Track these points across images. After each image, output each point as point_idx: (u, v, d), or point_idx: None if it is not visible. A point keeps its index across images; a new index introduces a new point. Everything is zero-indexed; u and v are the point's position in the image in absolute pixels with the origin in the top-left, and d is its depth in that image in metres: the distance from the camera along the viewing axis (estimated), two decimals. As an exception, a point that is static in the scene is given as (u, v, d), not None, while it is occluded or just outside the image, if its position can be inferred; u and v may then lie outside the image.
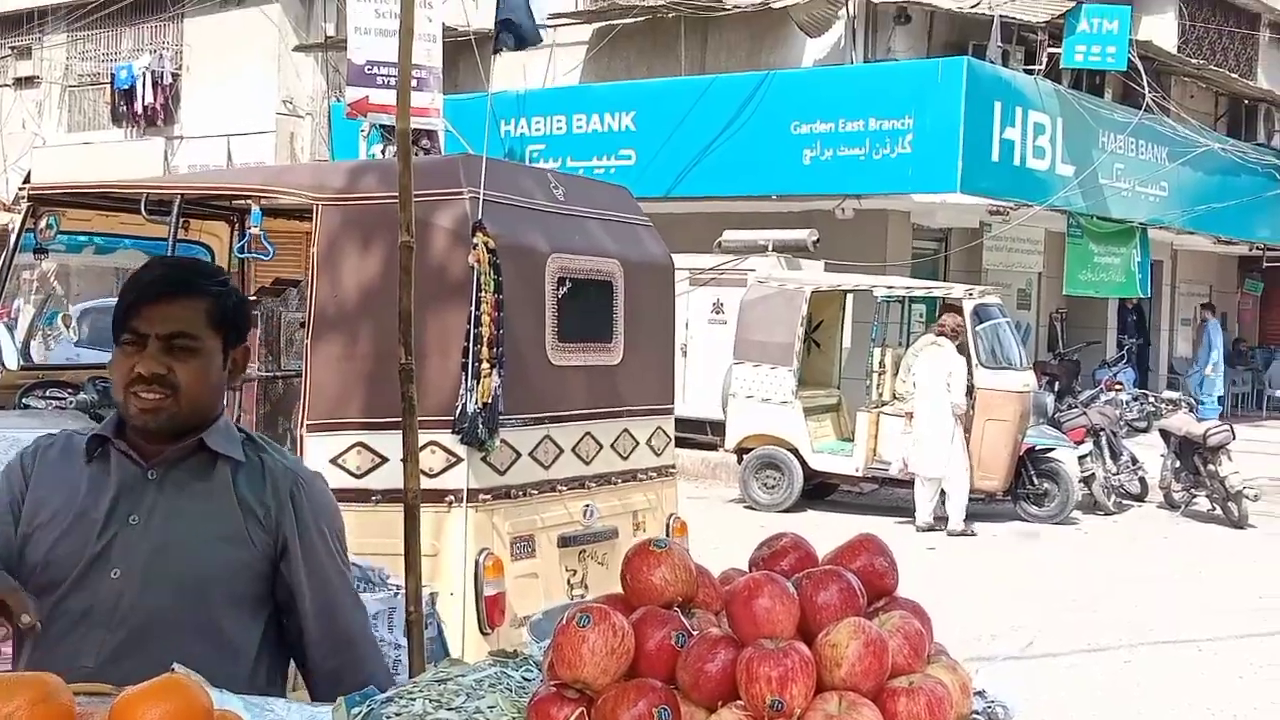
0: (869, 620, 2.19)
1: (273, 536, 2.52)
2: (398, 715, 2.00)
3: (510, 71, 20.05)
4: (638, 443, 6.12)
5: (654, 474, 6.26)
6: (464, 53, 16.65)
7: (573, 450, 5.66)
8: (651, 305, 6.23)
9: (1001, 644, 8.42)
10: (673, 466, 6.39)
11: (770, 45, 19.40)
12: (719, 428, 14.72)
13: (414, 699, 2.05)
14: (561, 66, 20.52)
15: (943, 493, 12.77)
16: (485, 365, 5.03)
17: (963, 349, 12.73)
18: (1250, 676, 7.91)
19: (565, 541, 5.61)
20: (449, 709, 2.01)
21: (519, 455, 5.35)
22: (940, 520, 12.75)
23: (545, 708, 1.94)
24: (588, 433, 5.78)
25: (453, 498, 5.10)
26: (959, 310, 12.96)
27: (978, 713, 2.36)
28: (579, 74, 20.89)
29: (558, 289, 5.53)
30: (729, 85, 17.92)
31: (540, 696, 1.99)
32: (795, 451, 13.69)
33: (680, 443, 16.31)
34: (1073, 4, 17.92)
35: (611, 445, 5.93)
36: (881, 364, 14.08)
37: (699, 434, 16.03)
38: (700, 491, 14.64)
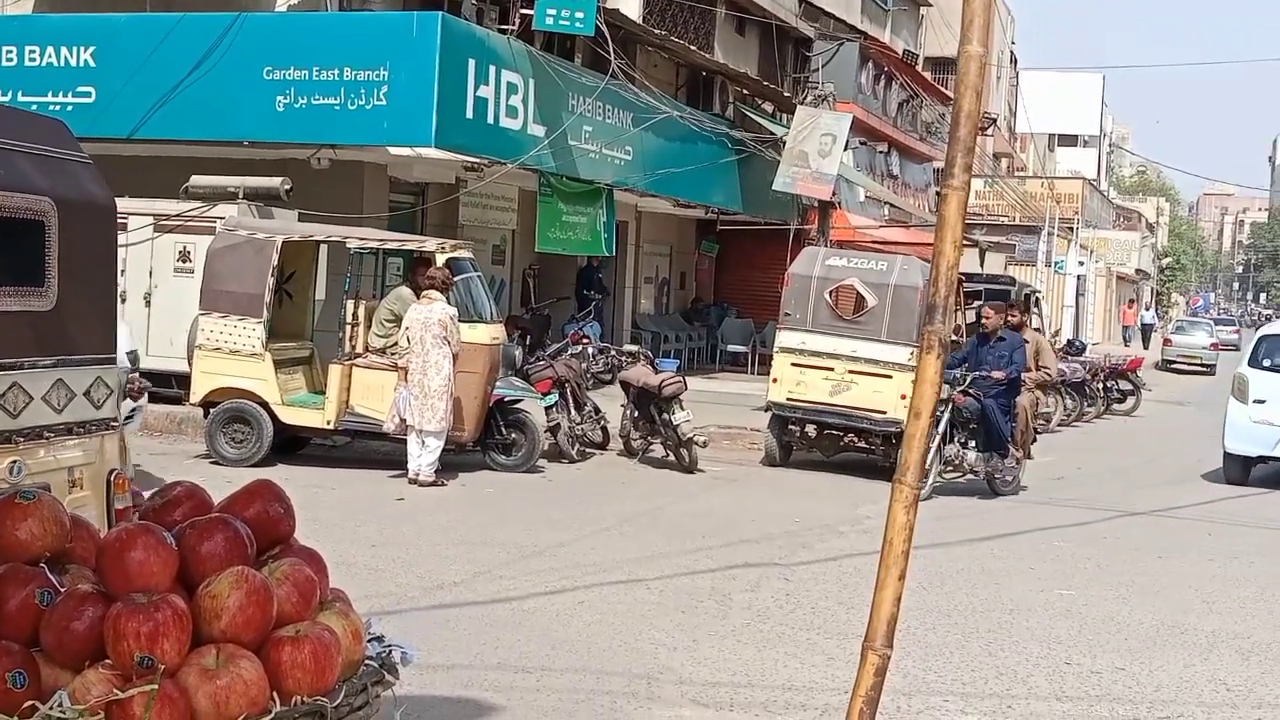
0: (258, 569, 2.14)
1: None
2: None
3: (-47, -6, 18.35)
4: (75, 394, 5.73)
5: (94, 427, 5.88)
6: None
7: (-4, 403, 5.23)
8: (91, 249, 5.83)
9: (463, 590, 8.59)
10: (115, 419, 6.03)
11: (242, -14, 18.73)
12: (185, 381, 14.14)
13: None
14: (12, -8, 18.99)
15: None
16: (-113, 310, 4.56)
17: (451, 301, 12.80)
18: (692, 610, 8.46)
19: (-13, 502, 5.19)
20: None
21: (-71, 409, 4.89)
22: (437, 472, 12.77)
23: (-121, 682, 1.76)
24: (15, 383, 5.35)
25: None
26: (433, 262, 13.05)
27: (371, 658, 2.36)
28: (32, 2, 19.37)
29: (-23, 228, 5.08)
30: (198, 24, 17.18)
31: (-126, 670, 1.80)
32: (265, 405, 13.36)
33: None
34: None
35: (43, 397, 5.52)
36: (355, 316, 13.95)
37: (164, 387, 15.35)
38: (165, 447, 14.06)
